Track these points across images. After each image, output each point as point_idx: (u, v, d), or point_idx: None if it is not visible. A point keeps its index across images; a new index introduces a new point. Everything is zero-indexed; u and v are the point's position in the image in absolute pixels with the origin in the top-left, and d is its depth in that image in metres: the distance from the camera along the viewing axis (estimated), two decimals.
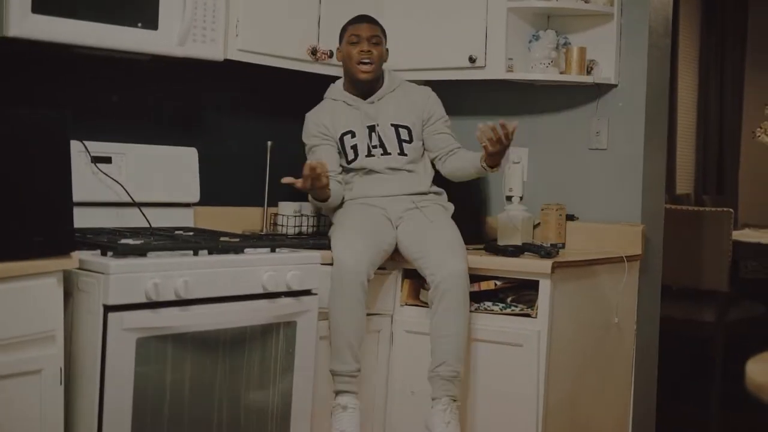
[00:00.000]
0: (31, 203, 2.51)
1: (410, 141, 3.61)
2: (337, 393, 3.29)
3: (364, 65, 3.55)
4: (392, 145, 3.59)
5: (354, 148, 3.59)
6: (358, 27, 3.58)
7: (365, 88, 3.62)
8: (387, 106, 3.62)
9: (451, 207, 3.67)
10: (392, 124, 3.60)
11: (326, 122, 3.60)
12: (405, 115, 3.62)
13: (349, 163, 3.60)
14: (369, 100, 3.62)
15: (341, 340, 3.27)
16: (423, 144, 3.66)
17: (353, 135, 3.59)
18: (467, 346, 3.34)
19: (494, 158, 3.39)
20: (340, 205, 3.61)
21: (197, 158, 3.62)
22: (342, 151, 3.60)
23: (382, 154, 3.59)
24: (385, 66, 3.67)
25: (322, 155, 3.52)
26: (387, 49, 3.65)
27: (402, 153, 3.60)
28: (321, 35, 3.74)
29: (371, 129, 3.59)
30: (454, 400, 3.27)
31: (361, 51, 3.54)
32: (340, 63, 3.64)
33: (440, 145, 3.64)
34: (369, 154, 3.59)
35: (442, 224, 3.52)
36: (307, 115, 3.66)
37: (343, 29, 3.63)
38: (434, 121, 3.65)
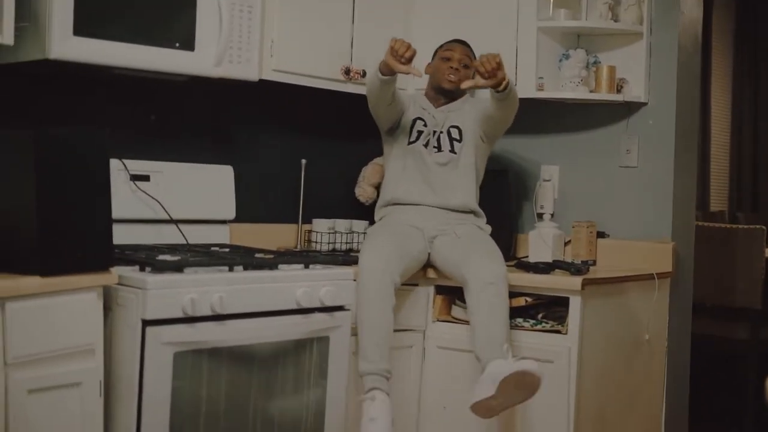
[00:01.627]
0: (72, 220, 2.57)
1: (460, 140, 3.68)
2: (367, 392, 3.24)
3: (451, 77, 3.67)
4: (445, 144, 3.68)
5: (419, 133, 3.69)
6: (452, 46, 3.75)
7: (443, 99, 3.73)
8: (452, 114, 3.72)
9: (488, 228, 3.71)
10: (449, 127, 3.70)
11: (412, 97, 3.76)
12: (460, 118, 3.71)
13: (408, 144, 3.69)
14: (440, 109, 3.73)
15: (367, 339, 3.24)
16: (483, 140, 3.70)
17: (425, 124, 3.70)
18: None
19: (492, 83, 3.42)
20: (377, 218, 3.68)
21: (233, 176, 3.67)
22: (409, 129, 3.70)
23: (436, 152, 3.67)
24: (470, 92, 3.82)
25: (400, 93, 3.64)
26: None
27: (452, 151, 3.68)
28: (354, 55, 3.79)
29: (434, 133, 3.69)
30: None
31: (450, 67, 3.69)
32: (426, 76, 3.74)
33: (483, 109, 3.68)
34: (426, 146, 3.68)
35: (479, 238, 3.57)
36: None
37: (438, 48, 3.78)
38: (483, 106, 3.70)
